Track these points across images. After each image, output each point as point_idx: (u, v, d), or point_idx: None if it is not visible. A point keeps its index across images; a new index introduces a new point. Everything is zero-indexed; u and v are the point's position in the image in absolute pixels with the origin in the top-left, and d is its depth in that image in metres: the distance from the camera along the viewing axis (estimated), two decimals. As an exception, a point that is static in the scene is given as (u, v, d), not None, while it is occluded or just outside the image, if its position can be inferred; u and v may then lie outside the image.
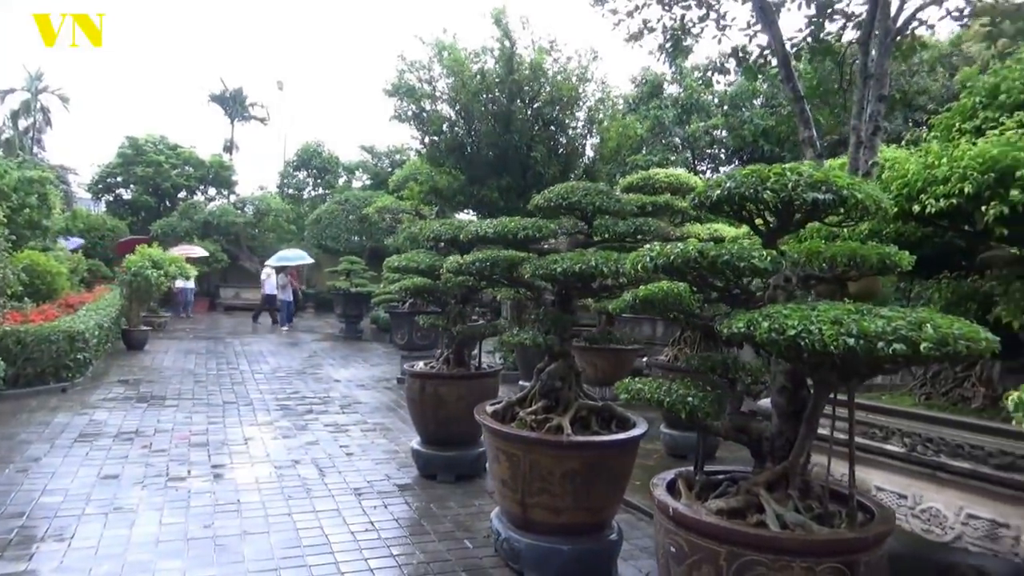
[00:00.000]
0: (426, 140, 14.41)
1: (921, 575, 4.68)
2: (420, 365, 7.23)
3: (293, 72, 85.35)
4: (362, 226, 25.29)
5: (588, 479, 4.46)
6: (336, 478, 6.72)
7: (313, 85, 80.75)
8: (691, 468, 3.38)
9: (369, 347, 18.26)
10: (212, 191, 34.22)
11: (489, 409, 5.07)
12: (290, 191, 36.41)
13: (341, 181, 36.25)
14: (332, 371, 13.88)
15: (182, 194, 32.47)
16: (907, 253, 3.13)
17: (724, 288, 3.09)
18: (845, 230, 4.02)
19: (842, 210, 3.07)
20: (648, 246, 3.08)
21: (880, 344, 2.36)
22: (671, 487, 3.27)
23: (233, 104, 40.29)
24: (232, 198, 33.71)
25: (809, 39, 8.28)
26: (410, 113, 14.17)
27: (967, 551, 4.13)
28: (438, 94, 14.02)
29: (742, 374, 3.29)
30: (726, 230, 8.45)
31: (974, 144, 3.87)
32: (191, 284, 23.69)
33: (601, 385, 9.33)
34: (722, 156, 21.86)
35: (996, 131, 3.83)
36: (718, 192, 3.02)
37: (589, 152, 14.56)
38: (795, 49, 8.54)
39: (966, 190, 3.57)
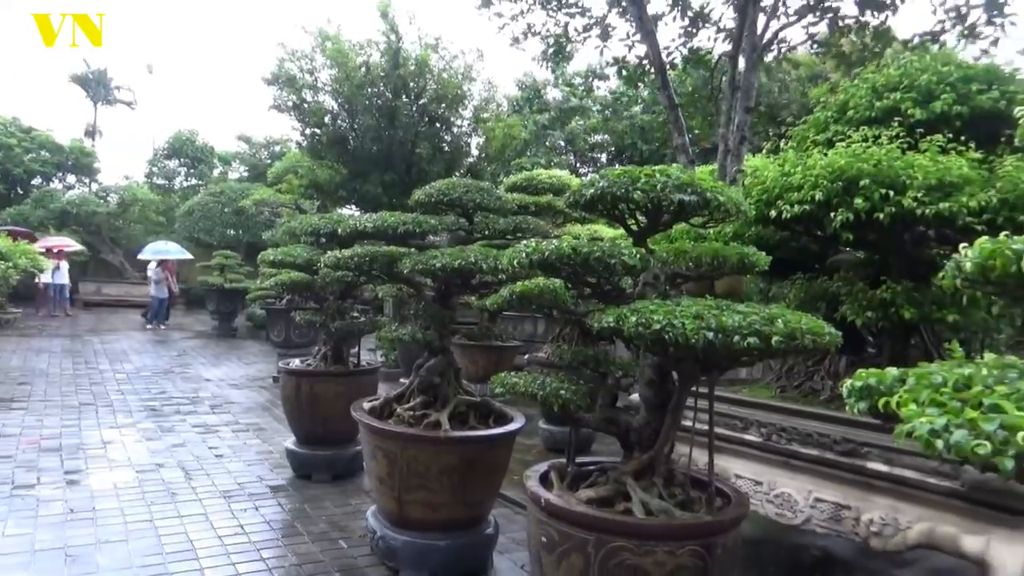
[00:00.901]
0: (307, 132, 14.03)
1: (774, 556, 5.02)
2: (296, 362, 7.03)
3: (165, 56, 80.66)
4: (238, 219, 24.28)
5: (466, 474, 4.48)
6: (204, 481, 6.42)
7: (187, 71, 76.70)
8: (564, 460, 3.46)
9: (244, 345, 17.55)
10: (72, 179, 31.83)
11: (367, 406, 5.00)
12: (159, 181, 34.42)
13: (216, 172, 34.64)
14: (203, 370, 13.24)
15: (37, 181, 30.01)
16: (764, 254, 3.34)
17: (597, 285, 3.19)
18: (712, 231, 4.25)
19: (707, 212, 3.24)
20: (524, 242, 3.13)
21: (736, 338, 2.50)
22: (544, 479, 3.34)
23: (96, 86, 37.61)
24: (94, 187, 31.47)
25: (683, 50, 8.68)
26: (291, 103, 13.76)
27: (814, 533, 4.46)
28: (320, 85, 13.68)
29: (613, 368, 3.40)
30: (606, 231, 8.71)
31: (825, 155, 4.19)
32: (64, 279, 21.95)
33: (481, 382, 9.39)
34: (603, 160, 22.54)
35: (844, 144, 4.16)
36: (591, 191, 3.11)
37: (474, 151, 14.63)
38: (671, 59, 8.92)
39: (817, 197, 3.85)
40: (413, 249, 4.91)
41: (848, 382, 1.78)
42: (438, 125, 13.46)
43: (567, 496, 3.08)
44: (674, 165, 3.20)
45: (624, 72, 9.23)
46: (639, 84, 10.61)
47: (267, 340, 16.09)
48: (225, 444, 7.81)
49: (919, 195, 3.66)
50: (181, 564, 4.60)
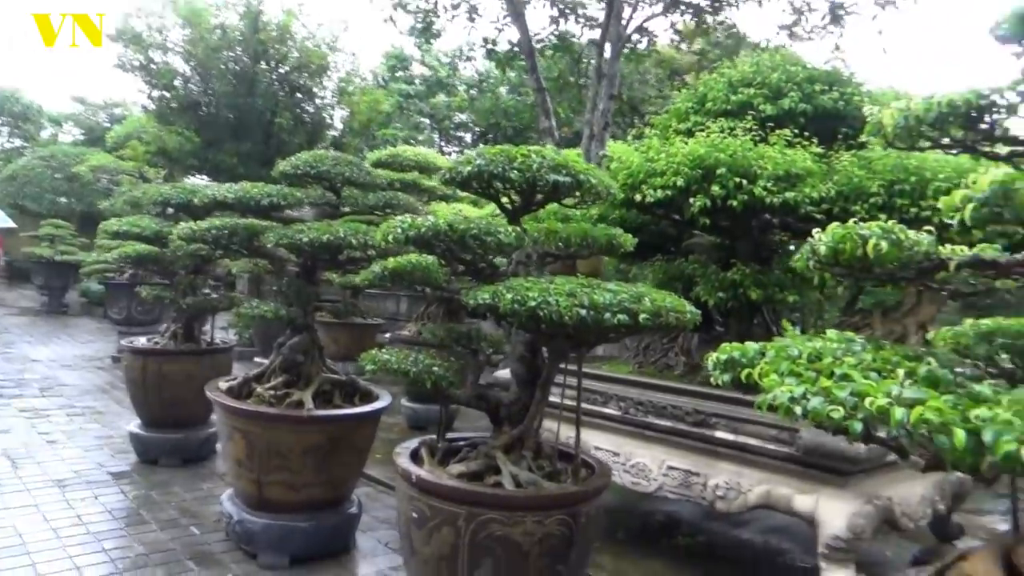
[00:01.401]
0: (155, 95, 13.03)
1: (628, 522, 5.28)
2: (142, 341, 6.56)
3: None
4: (71, 186, 22.16)
5: (330, 454, 4.38)
6: (34, 470, 5.87)
7: (11, 24, 68.84)
8: (434, 436, 3.46)
9: (77, 322, 16.16)
10: None
11: (223, 386, 4.75)
12: (-26, 141, 30.76)
13: (45, 134, 31.40)
14: (30, 350, 12.07)
15: None
16: (630, 236, 3.47)
17: (471, 262, 3.19)
18: (578, 212, 4.36)
19: (578, 193, 3.32)
20: (400, 218, 3.08)
21: (607, 315, 2.60)
22: (414, 456, 3.33)
23: None
24: None
25: (552, 36, 8.81)
26: (137, 63, 12.70)
27: (666, 499, 4.74)
28: (170, 45, 12.72)
29: (484, 344, 3.43)
30: (469, 211, 8.73)
31: (686, 143, 4.41)
32: None
33: (343, 360, 9.18)
34: (467, 139, 22.57)
35: (703, 134, 4.39)
36: (469, 168, 3.10)
37: (338, 124, 14.18)
38: (540, 45, 9.04)
39: (678, 183, 4.05)
40: (275, 223, 4.70)
41: (713, 356, 1.90)
42: (300, 95, 12.91)
43: (438, 471, 3.09)
44: (548, 147, 3.24)
45: (493, 54, 9.26)
46: (507, 67, 10.67)
47: (105, 317, 14.90)
48: (58, 429, 7.18)
49: (768, 184, 3.93)
50: (9, 560, 4.19)
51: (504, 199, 3.35)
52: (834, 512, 3.80)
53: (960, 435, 1.30)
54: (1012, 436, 1.26)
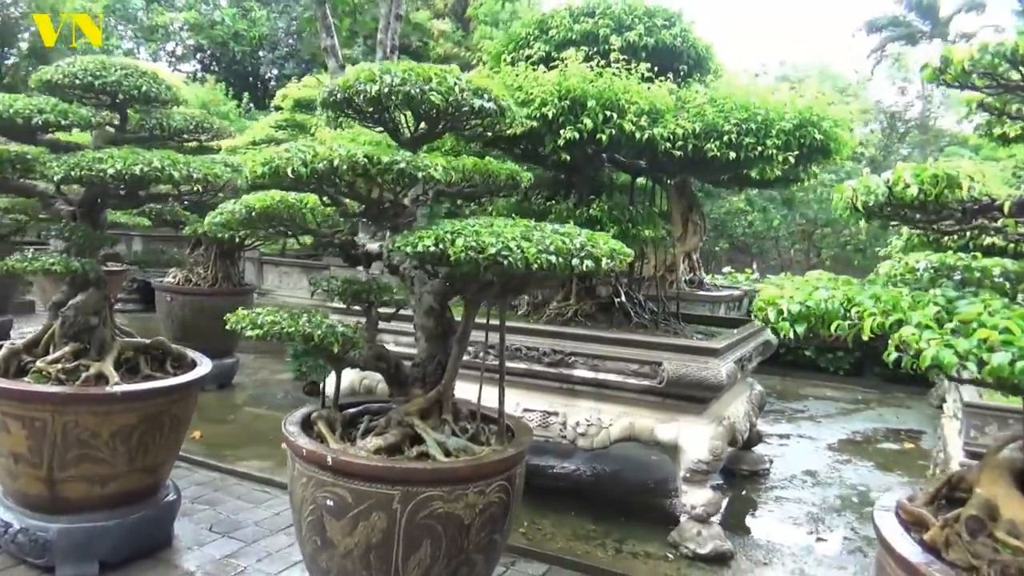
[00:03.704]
0: None
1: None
2: None
3: None
4: None
5: (146, 435, 3.61)
6: None
7: None
8: (323, 407, 2.97)
9: None
10: None
11: (-24, 362, 3.65)
12: None
13: None
14: None
15: None
16: (527, 173, 3.20)
17: (376, 201, 2.70)
18: (439, 149, 3.97)
19: (476, 121, 2.97)
20: (297, 146, 2.49)
21: (575, 260, 2.35)
22: (306, 430, 2.83)
23: None
24: None
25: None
26: None
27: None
28: None
29: (378, 296, 2.98)
30: (323, 135, 7.75)
31: (535, 71, 4.19)
32: None
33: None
34: (180, 52, 20.02)
35: (558, 65, 4.18)
36: (376, 87, 2.58)
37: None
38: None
39: (548, 114, 3.84)
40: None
41: (766, 303, 1.78)
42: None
43: (354, 450, 2.64)
44: (452, 67, 2.83)
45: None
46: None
47: None
48: None
49: (636, 119, 3.88)
50: None
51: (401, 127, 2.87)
52: (695, 437, 4.02)
53: None
54: None
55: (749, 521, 4.59)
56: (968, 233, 2.59)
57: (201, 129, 3.97)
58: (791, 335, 1.68)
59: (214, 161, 3.68)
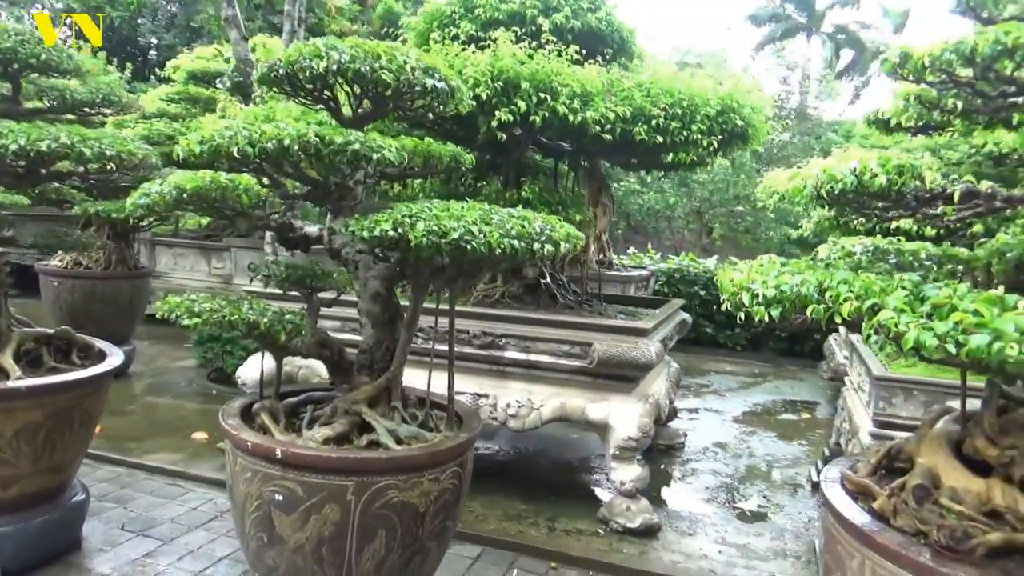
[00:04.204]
0: None
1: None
2: None
3: None
4: None
5: (54, 432, 3.34)
6: None
7: None
8: (260, 400, 2.84)
9: None
10: None
11: None
12: None
13: None
14: None
15: None
16: (469, 155, 3.15)
17: (322, 183, 2.58)
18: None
19: (420, 101, 2.89)
20: (239, 124, 2.33)
21: (536, 245, 2.33)
22: (246, 421, 2.70)
23: None
24: None
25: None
26: None
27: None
28: None
29: (320, 281, 2.86)
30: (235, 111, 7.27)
31: (464, 50, 4.13)
32: None
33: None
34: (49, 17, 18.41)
35: (488, 44, 4.13)
36: (323, 64, 2.45)
37: None
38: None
39: (482, 96, 3.79)
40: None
41: (735, 287, 1.83)
42: None
43: (303, 441, 2.54)
44: (396, 44, 2.74)
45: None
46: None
47: None
48: None
49: (568, 102, 3.89)
50: None
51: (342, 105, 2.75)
52: (625, 416, 4.11)
53: None
54: None
55: (670, 494, 4.76)
56: (875, 219, 2.76)
57: (108, 103, 3.67)
58: (766, 318, 1.74)
59: (122, 138, 3.41)
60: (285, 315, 2.52)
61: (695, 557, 3.84)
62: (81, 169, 3.34)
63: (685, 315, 5.60)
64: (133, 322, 6.90)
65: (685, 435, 5.80)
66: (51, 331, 3.68)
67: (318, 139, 2.28)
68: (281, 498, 2.45)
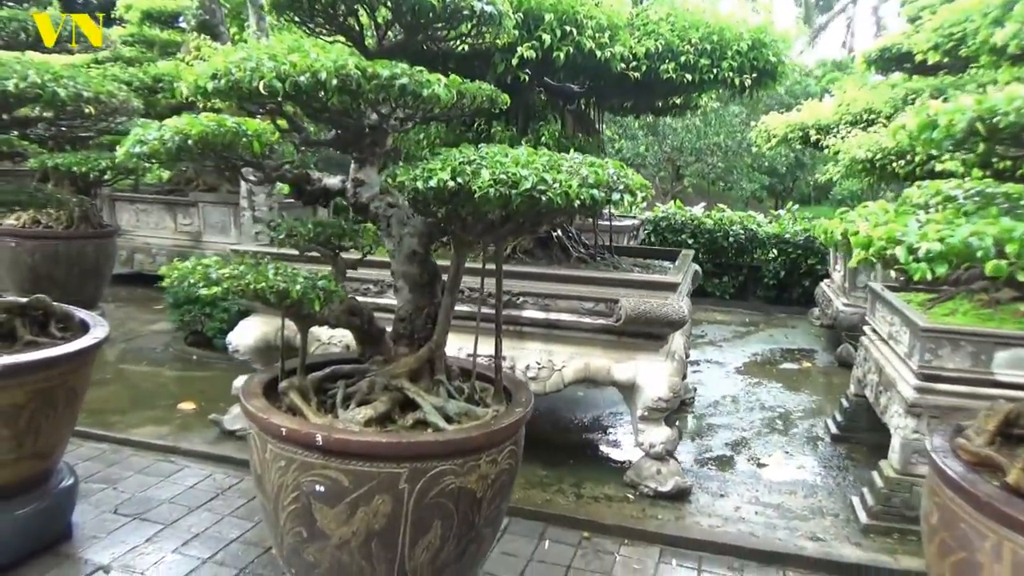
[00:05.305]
0: None
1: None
2: None
3: None
4: None
5: (37, 414, 2.98)
6: None
7: None
8: (276, 375, 2.51)
9: None
10: None
11: None
12: None
13: None
14: None
15: None
16: (505, 95, 2.79)
17: (353, 125, 2.21)
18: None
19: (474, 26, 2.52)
20: (259, 55, 1.94)
21: (615, 195, 2.03)
22: (268, 400, 2.37)
23: None
24: None
25: None
26: None
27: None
28: None
29: (353, 241, 2.52)
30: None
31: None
32: None
33: None
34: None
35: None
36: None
37: None
38: None
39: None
40: None
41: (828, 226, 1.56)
42: None
43: (343, 424, 2.23)
44: None
45: None
46: None
47: None
48: None
49: (596, 36, 3.54)
50: None
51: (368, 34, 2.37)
52: (654, 375, 3.87)
53: None
54: None
55: (693, 452, 4.58)
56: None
57: (74, 37, 3.20)
58: (928, 276, 1.48)
59: (99, 77, 2.98)
60: (318, 280, 2.18)
61: (733, 520, 3.67)
62: (49, 114, 2.91)
63: (696, 266, 5.37)
64: (101, 285, 6.42)
65: (695, 389, 5.63)
66: (24, 300, 3.26)
67: (359, 71, 1.91)
68: (323, 489, 2.15)
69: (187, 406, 4.88)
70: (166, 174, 8.96)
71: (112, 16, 8.92)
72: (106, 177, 5.94)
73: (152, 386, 5.33)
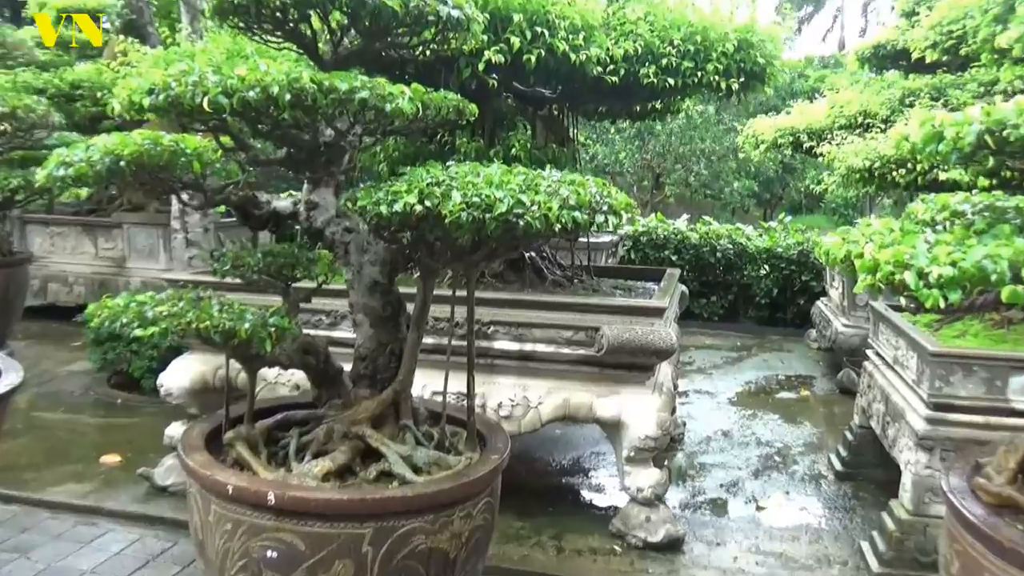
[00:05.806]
0: None
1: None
2: None
3: None
4: None
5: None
6: None
7: None
8: (219, 424, 2.47)
9: None
10: None
11: None
12: None
13: None
14: None
15: None
16: (472, 105, 2.82)
17: (307, 144, 2.21)
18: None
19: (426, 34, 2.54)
20: (201, 68, 1.93)
21: (599, 216, 2.05)
22: (211, 453, 2.33)
23: None
24: None
25: None
26: None
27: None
28: None
29: (311, 271, 2.50)
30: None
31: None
32: None
33: None
34: None
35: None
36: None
37: None
38: None
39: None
40: None
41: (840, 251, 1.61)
42: None
43: (297, 479, 2.20)
44: None
45: None
46: None
47: None
48: None
49: (569, 38, 3.59)
50: None
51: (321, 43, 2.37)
52: (640, 411, 3.89)
53: None
54: None
55: (685, 495, 4.60)
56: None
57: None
58: (940, 304, 1.52)
59: (15, 90, 2.93)
60: (269, 317, 2.16)
61: (731, 572, 3.69)
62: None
63: (683, 287, 5.43)
64: (10, 319, 6.28)
65: (684, 423, 5.67)
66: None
67: (314, 85, 1.91)
68: (276, 555, 2.11)
69: (111, 459, 4.77)
70: (84, 192, 8.81)
71: (23, 15, 8.80)
72: (17, 198, 5.82)
73: (71, 436, 5.20)
